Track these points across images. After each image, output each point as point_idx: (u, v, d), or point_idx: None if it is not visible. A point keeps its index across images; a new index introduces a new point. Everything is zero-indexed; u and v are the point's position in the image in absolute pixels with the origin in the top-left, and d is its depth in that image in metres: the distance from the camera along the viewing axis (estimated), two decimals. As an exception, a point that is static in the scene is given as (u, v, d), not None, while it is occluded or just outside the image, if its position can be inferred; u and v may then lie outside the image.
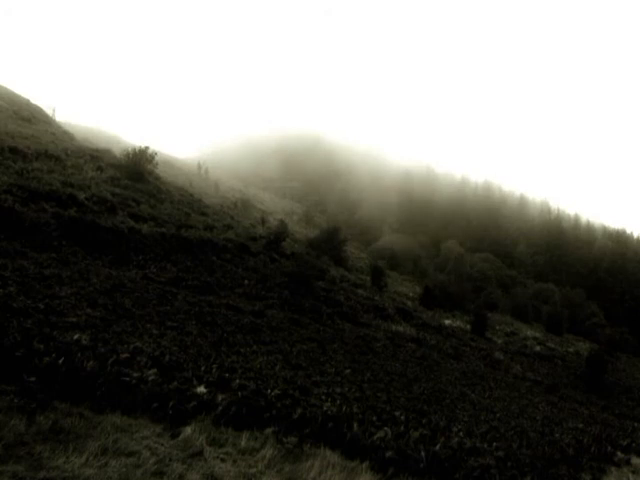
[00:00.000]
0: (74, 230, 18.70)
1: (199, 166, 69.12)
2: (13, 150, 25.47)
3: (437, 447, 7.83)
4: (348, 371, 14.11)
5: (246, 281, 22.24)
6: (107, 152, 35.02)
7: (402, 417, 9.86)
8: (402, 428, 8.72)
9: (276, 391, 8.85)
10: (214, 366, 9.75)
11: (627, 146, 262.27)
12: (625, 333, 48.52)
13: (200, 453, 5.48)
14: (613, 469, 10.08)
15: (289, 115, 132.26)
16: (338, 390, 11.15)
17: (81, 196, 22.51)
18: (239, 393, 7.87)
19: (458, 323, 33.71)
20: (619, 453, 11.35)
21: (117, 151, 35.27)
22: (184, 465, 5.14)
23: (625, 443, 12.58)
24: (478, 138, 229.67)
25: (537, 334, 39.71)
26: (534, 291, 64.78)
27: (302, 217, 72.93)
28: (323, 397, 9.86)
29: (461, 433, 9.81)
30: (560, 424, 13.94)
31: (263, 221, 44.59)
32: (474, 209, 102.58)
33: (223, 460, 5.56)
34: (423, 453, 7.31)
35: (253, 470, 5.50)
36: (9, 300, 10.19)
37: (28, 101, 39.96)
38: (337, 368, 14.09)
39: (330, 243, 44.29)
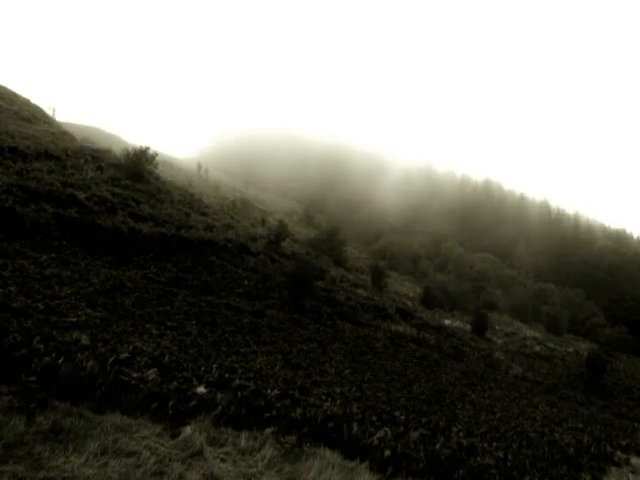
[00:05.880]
0: (74, 230, 18.70)
1: (199, 166, 69.13)
2: (13, 150, 25.44)
3: (437, 447, 7.83)
4: (348, 371, 14.11)
5: (246, 281, 22.23)
6: (107, 152, 35.00)
7: (402, 417, 9.86)
8: (402, 428, 8.72)
9: (276, 391, 8.86)
10: (214, 366, 9.74)
11: (627, 146, 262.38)
12: (625, 333, 48.57)
13: (200, 453, 5.48)
14: (613, 469, 10.07)
15: (288, 115, 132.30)
16: (338, 390, 11.15)
17: (81, 196, 22.50)
18: (239, 393, 7.88)
19: (458, 323, 33.70)
20: (619, 453, 11.34)
21: (117, 151, 35.26)
22: (184, 465, 5.14)
23: (625, 443, 12.57)
24: (478, 137, 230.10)
25: (537, 334, 39.69)
26: (534, 291, 64.75)
27: (302, 217, 72.96)
28: (323, 397, 9.86)
29: (461, 433, 9.80)
30: (560, 424, 13.93)
31: (263, 221, 44.60)
32: (474, 209, 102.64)
33: (223, 460, 5.57)
34: (423, 453, 7.31)
35: (253, 470, 5.50)
36: (9, 300, 10.20)
37: (28, 101, 39.89)
38: (337, 368, 14.09)
39: (330, 243, 44.33)
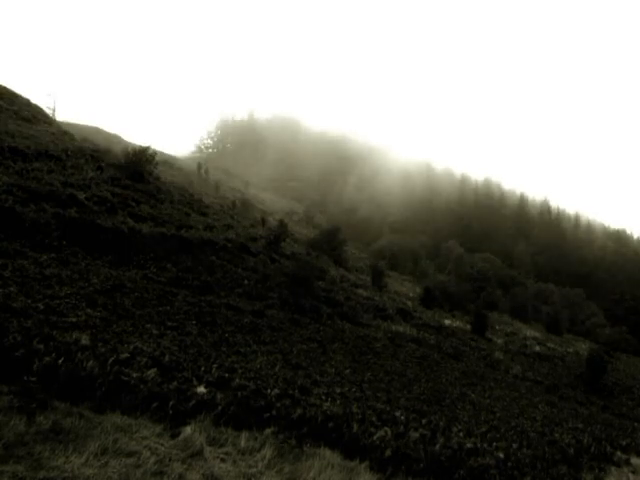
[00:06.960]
0: (74, 230, 18.69)
1: (199, 166, 69.24)
2: (13, 150, 25.43)
3: (437, 447, 7.83)
4: (348, 371, 14.11)
5: (246, 281, 22.23)
6: (107, 152, 35.02)
7: (402, 417, 9.86)
8: (402, 428, 8.73)
9: (276, 391, 8.86)
10: (214, 366, 9.75)
11: (627, 146, 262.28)
12: (625, 333, 48.56)
13: (200, 453, 5.48)
14: (613, 469, 10.08)
15: (288, 114, 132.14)
16: (338, 390, 11.15)
17: (81, 196, 22.49)
18: (239, 393, 7.88)
19: (458, 323, 33.67)
20: (619, 453, 11.35)
21: (117, 151, 35.27)
22: (184, 465, 5.14)
23: (625, 443, 12.58)
24: (478, 137, 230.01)
25: (537, 334, 39.68)
26: (534, 291, 64.82)
27: (302, 217, 73.04)
28: (323, 397, 9.86)
29: (461, 433, 9.81)
30: (560, 424, 13.93)
31: (263, 221, 44.60)
32: (474, 209, 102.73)
33: (223, 460, 5.57)
34: (423, 453, 7.32)
35: (253, 470, 5.51)
36: (9, 300, 10.20)
37: (28, 101, 39.91)
38: (337, 368, 14.09)
39: (330, 243, 44.31)
